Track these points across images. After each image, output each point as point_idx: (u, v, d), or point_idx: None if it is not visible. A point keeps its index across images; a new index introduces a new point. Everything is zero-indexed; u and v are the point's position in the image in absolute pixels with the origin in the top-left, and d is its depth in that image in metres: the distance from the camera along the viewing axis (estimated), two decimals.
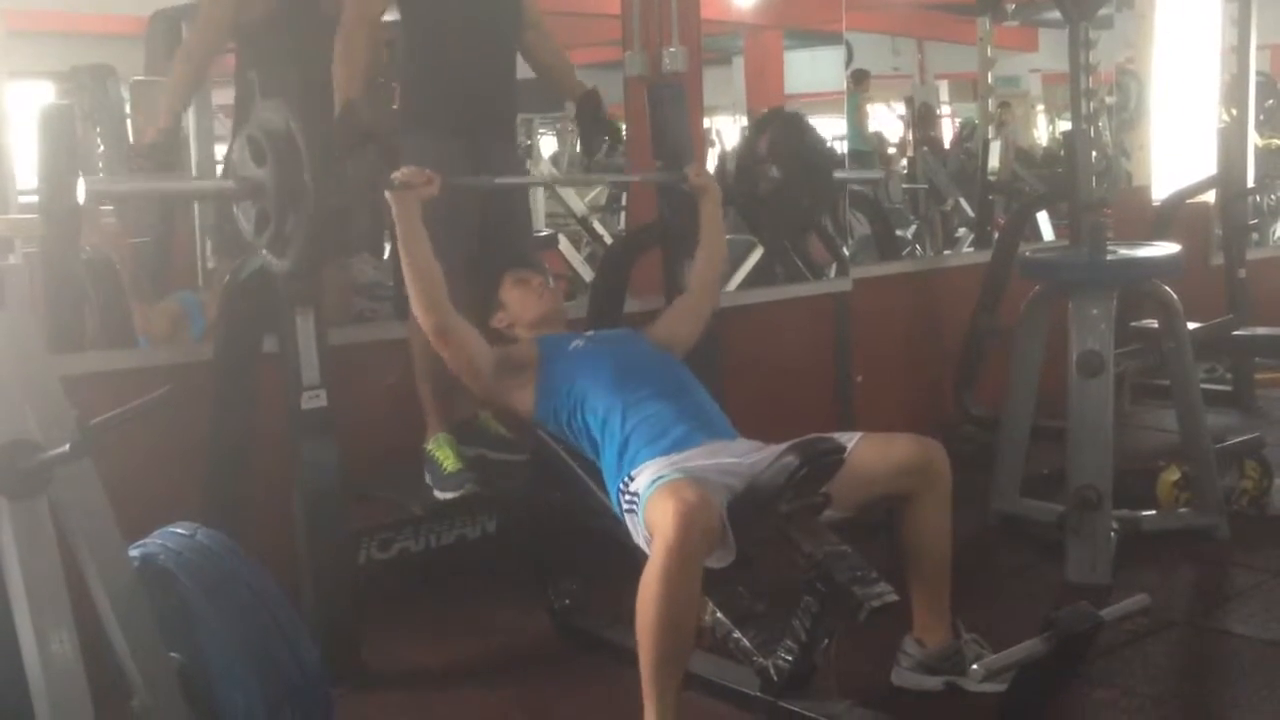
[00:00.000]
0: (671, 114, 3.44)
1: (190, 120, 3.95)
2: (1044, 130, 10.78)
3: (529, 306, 3.04)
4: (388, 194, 2.71)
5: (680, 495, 2.32)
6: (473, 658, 3.03)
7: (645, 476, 2.52)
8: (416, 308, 2.79)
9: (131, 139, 4.50)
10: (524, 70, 3.63)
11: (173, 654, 1.94)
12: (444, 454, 3.23)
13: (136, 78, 4.36)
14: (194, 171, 3.94)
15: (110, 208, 4.49)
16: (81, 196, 2.19)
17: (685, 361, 2.98)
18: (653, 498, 2.42)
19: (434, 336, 2.82)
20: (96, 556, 1.84)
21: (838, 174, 3.46)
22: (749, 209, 3.55)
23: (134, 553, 1.98)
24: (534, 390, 2.82)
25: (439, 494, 3.25)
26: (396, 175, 2.72)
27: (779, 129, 3.54)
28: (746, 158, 3.45)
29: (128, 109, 4.58)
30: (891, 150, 9.12)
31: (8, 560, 1.73)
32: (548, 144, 8.27)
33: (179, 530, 2.06)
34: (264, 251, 2.42)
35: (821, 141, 3.48)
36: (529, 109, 7.20)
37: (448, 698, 2.82)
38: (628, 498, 2.56)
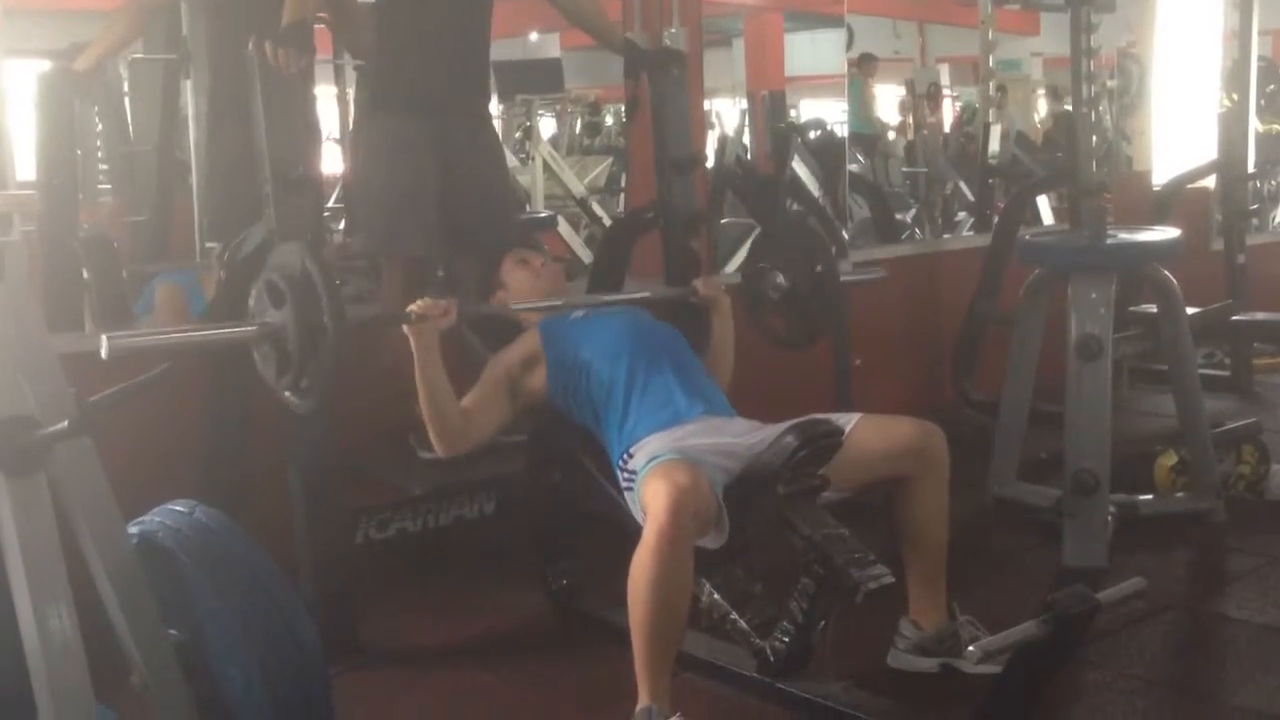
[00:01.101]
0: (671, 81, 3.39)
1: (189, 101, 3.95)
2: (1045, 114, 10.76)
3: (530, 287, 3.04)
4: (405, 328, 2.65)
5: (672, 478, 2.33)
6: (471, 637, 3.03)
7: (644, 454, 2.53)
8: (434, 435, 2.72)
9: (130, 119, 4.50)
10: (519, 52, 3.62)
11: (171, 631, 1.94)
12: None
13: (134, 56, 4.34)
14: (192, 152, 3.94)
15: (108, 186, 4.49)
16: (105, 353, 2.19)
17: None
18: (647, 478, 2.43)
19: (458, 448, 2.77)
20: (95, 533, 1.84)
21: (844, 278, 3.43)
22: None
23: (133, 530, 1.98)
24: (545, 375, 2.82)
25: (423, 454, 3.26)
26: (413, 308, 2.64)
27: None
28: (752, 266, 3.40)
29: (125, 87, 4.57)
30: (892, 135, 9.09)
31: (6, 537, 1.73)
32: (547, 125, 8.26)
33: (178, 508, 2.06)
34: (286, 394, 2.43)
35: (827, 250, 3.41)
36: (528, 90, 7.19)
37: (445, 677, 2.83)
38: (626, 475, 2.57)
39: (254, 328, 2.40)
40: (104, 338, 2.15)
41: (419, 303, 2.66)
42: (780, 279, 3.22)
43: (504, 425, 2.84)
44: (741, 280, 3.34)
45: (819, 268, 3.19)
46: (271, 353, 2.39)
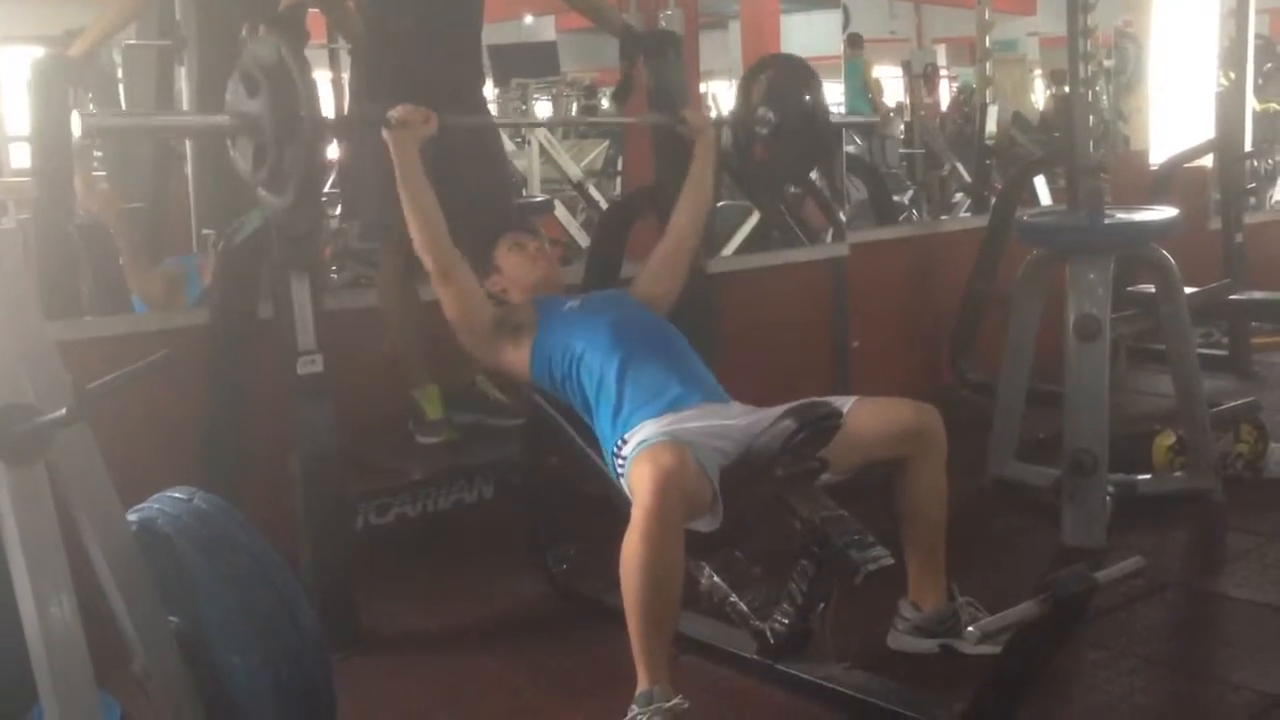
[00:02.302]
0: (668, 64, 3.40)
1: (183, 87, 3.94)
2: (1041, 94, 10.75)
3: (525, 271, 3.03)
4: (385, 133, 2.69)
5: (658, 460, 2.33)
6: (470, 621, 3.04)
7: (636, 439, 2.54)
8: (419, 247, 2.80)
9: (124, 105, 4.49)
10: (514, 36, 3.61)
11: (172, 618, 1.94)
12: (429, 402, 3.26)
13: (128, 42, 4.33)
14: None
15: (104, 173, 4.48)
16: (78, 131, 2.17)
17: (681, 326, 2.97)
18: (634, 461, 2.44)
19: (436, 277, 2.82)
20: (94, 521, 1.84)
21: (835, 119, 3.43)
22: (743, 170, 3.50)
23: (132, 517, 1.98)
24: (530, 352, 2.82)
25: (420, 439, 3.27)
26: (393, 114, 2.69)
27: (776, 72, 3.50)
28: (742, 105, 3.41)
29: (120, 73, 4.56)
30: (892, 114, 9.09)
31: (6, 526, 1.73)
32: (543, 109, 8.24)
33: (177, 495, 2.05)
34: (262, 191, 2.40)
35: (819, 86, 3.43)
36: (524, 73, 7.18)
37: (446, 661, 2.83)
38: (620, 461, 2.58)
39: (227, 118, 2.38)
40: (75, 113, 2.13)
41: (399, 108, 2.71)
42: (770, 114, 3.23)
43: (475, 315, 2.85)
44: (730, 119, 3.35)
45: (806, 97, 3.19)
46: (248, 144, 2.36)
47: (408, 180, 2.75)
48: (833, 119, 3.99)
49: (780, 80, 3.41)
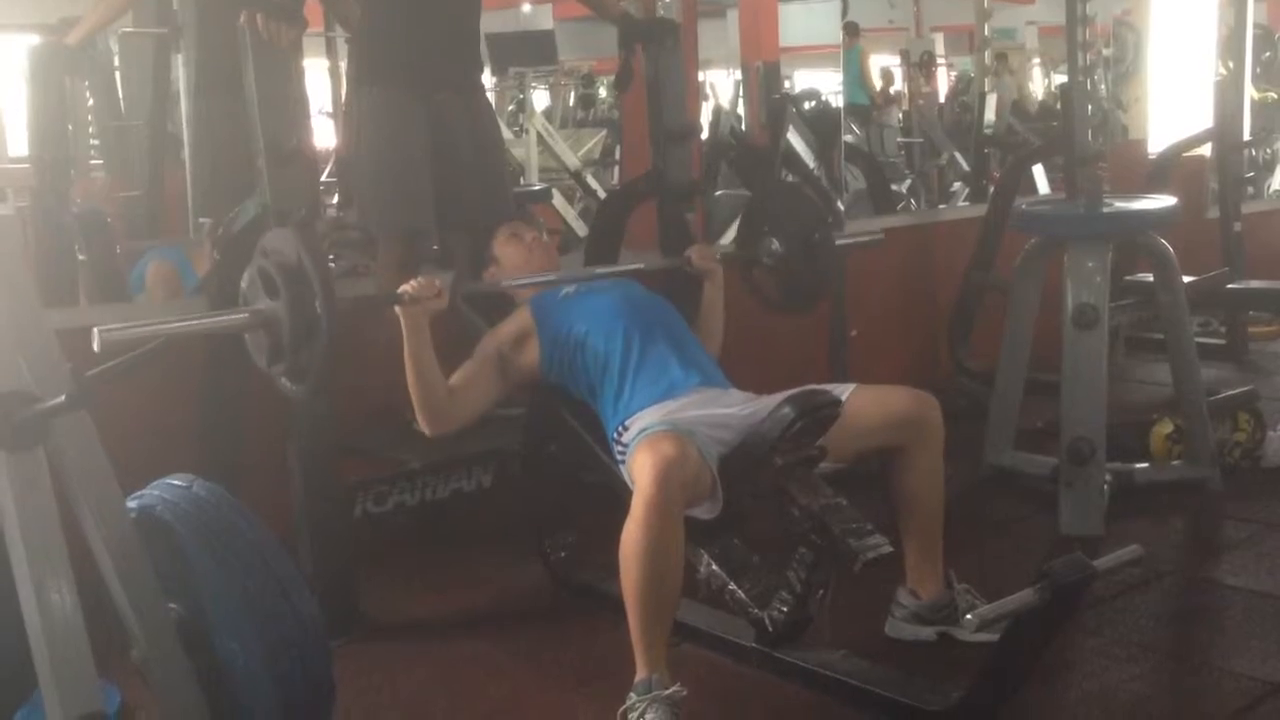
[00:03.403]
0: (666, 52, 3.38)
1: (180, 75, 3.93)
2: (1040, 83, 10.75)
3: (523, 262, 3.02)
4: (397, 309, 2.62)
5: (659, 449, 2.33)
6: (470, 610, 3.04)
7: (637, 427, 2.54)
8: (422, 420, 2.70)
9: (121, 93, 4.48)
10: (512, 24, 3.61)
11: (171, 605, 1.94)
12: None
13: (125, 30, 4.32)
14: (184, 126, 3.93)
15: (100, 161, 4.48)
16: (97, 347, 2.16)
17: (682, 314, 2.97)
18: (636, 450, 2.43)
19: (444, 431, 2.75)
20: (94, 508, 1.84)
21: (839, 240, 3.41)
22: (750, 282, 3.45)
23: (131, 505, 1.98)
24: (539, 351, 2.81)
25: (417, 426, 3.27)
26: (405, 289, 2.61)
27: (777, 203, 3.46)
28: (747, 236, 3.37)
29: (116, 61, 4.55)
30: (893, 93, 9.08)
31: (6, 513, 1.73)
32: (540, 98, 8.23)
33: (176, 482, 2.05)
34: (281, 380, 2.41)
35: (823, 217, 3.38)
36: (521, 62, 7.16)
37: (445, 649, 2.83)
38: (620, 448, 2.58)
39: (246, 315, 2.38)
40: (95, 331, 2.13)
41: (411, 283, 2.63)
42: (775, 245, 3.22)
43: (492, 404, 2.82)
44: (736, 247, 3.33)
45: (816, 235, 3.18)
46: (264, 338, 2.38)
47: (417, 356, 2.64)
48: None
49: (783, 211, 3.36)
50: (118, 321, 3.07)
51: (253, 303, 2.36)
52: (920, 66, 8.91)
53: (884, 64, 9.55)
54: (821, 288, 3.33)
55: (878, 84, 9.18)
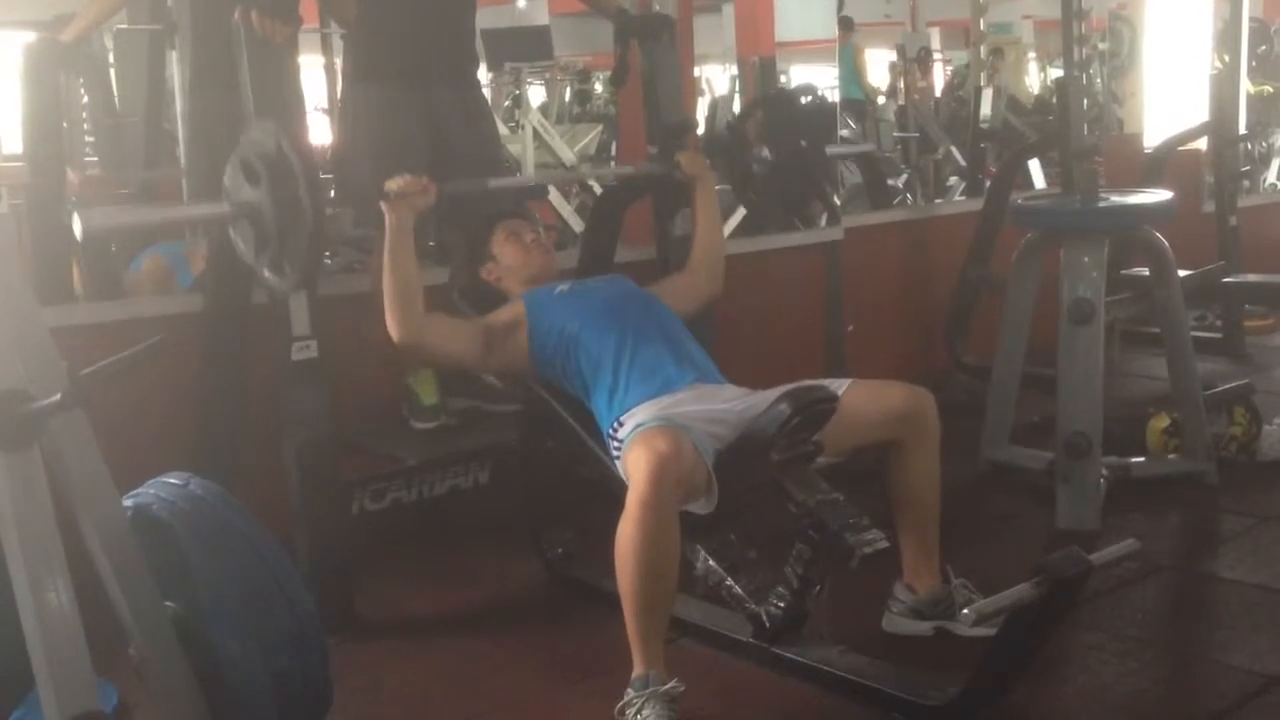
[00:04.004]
0: (662, 48, 3.39)
1: (175, 72, 3.92)
2: (1035, 77, 10.75)
3: (522, 262, 3.00)
4: (382, 205, 2.63)
5: (653, 445, 2.33)
6: (467, 606, 3.04)
7: (632, 422, 2.54)
8: (390, 321, 2.69)
9: (116, 90, 4.47)
10: (507, 19, 3.60)
11: (168, 603, 1.94)
12: (423, 388, 3.26)
13: (120, 26, 4.32)
14: (179, 123, 3.92)
15: (95, 158, 4.47)
16: (79, 233, 2.14)
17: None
18: (630, 445, 2.44)
19: (406, 352, 2.77)
20: (90, 506, 1.84)
21: (830, 150, 3.41)
22: (742, 192, 3.48)
23: (128, 503, 1.98)
24: (527, 344, 2.81)
25: (415, 424, 3.28)
26: (391, 185, 2.63)
27: (770, 109, 3.48)
28: (737, 144, 3.38)
29: (111, 58, 4.54)
30: (882, 100, 9.07)
31: (2, 512, 1.72)
32: (536, 94, 8.22)
33: (172, 480, 2.05)
34: (265, 273, 2.39)
35: (814, 120, 3.41)
36: (517, 58, 7.15)
37: (442, 646, 2.84)
38: (615, 444, 2.58)
39: (229, 206, 2.36)
40: (75, 215, 2.11)
41: (398, 179, 2.66)
42: (765, 152, 3.22)
43: (462, 358, 2.83)
44: (726, 157, 3.33)
45: (803, 142, 3.18)
46: (249, 230, 2.35)
47: (396, 252, 2.65)
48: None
49: (775, 118, 3.37)
50: (114, 318, 3.11)
51: (236, 194, 2.34)
52: (918, 62, 8.90)
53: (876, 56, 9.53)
54: (809, 194, 3.33)
55: (886, 78, 9.18)
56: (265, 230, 2.31)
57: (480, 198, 3.34)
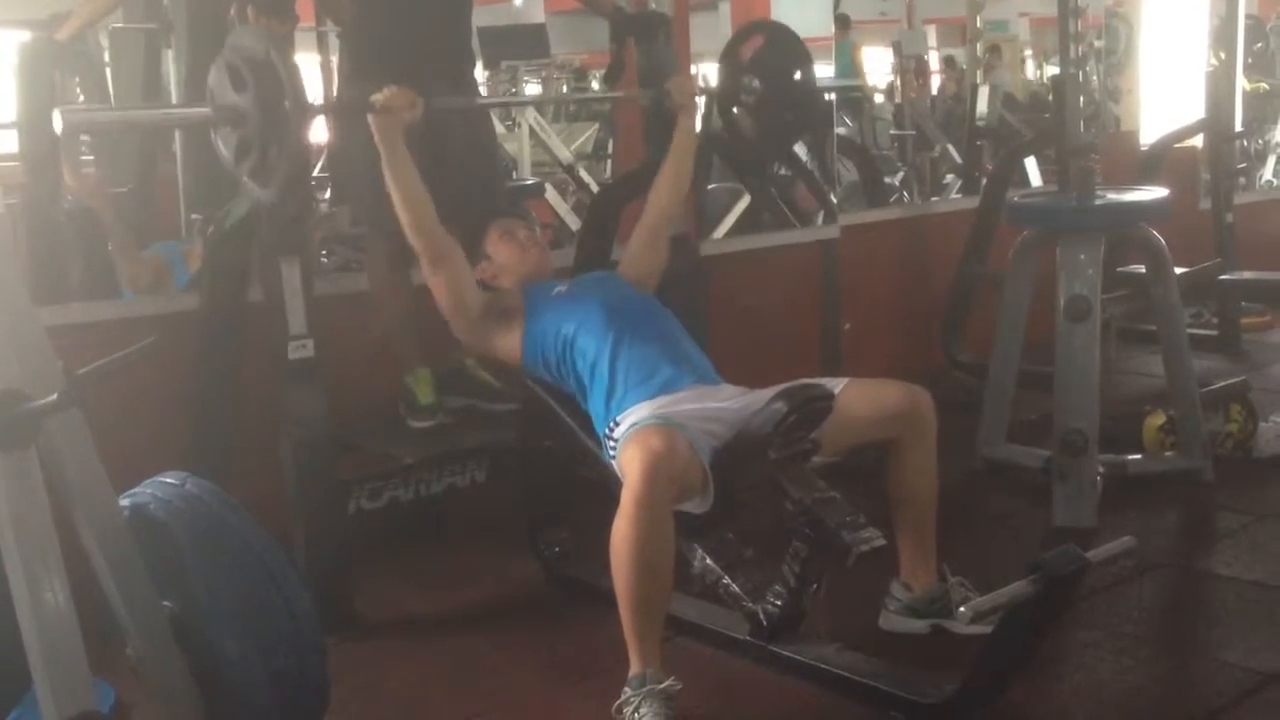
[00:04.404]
0: (658, 46, 3.39)
1: (170, 70, 3.92)
2: (1032, 75, 10.74)
3: (516, 260, 3.01)
4: (370, 118, 2.67)
5: (647, 443, 2.33)
6: (464, 605, 3.04)
7: (627, 422, 2.54)
8: (409, 232, 2.78)
9: (111, 89, 4.46)
10: (504, 18, 3.60)
11: (165, 603, 1.94)
12: (420, 387, 3.26)
13: (115, 25, 4.30)
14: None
15: (91, 157, 4.46)
16: (59, 127, 2.14)
17: (673, 307, 2.97)
18: (624, 444, 2.44)
19: (427, 263, 2.81)
20: (87, 506, 1.84)
21: (822, 83, 3.41)
22: (730, 145, 3.47)
23: (124, 503, 1.98)
24: (521, 338, 2.81)
25: (412, 424, 3.28)
26: (377, 97, 2.67)
27: (760, 40, 3.47)
28: (728, 72, 3.37)
29: (107, 57, 4.53)
30: (879, 98, 9.06)
31: None
32: (532, 91, 8.20)
33: (169, 479, 2.05)
34: (246, 180, 2.38)
35: (806, 55, 3.41)
36: (514, 56, 7.14)
37: (439, 645, 2.84)
38: (611, 443, 2.58)
39: (212, 110, 2.36)
40: (56, 111, 2.10)
41: (385, 92, 2.69)
42: (755, 83, 3.22)
43: (461, 305, 2.84)
44: (716, 86, 3.33)
45: (797, 74, 3.18)
46: (231, 135, 2.35)
47: (393, 165, 2.73)
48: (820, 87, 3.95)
49: (765, 48, 3.38)
50: (110, 317, 3.10)
51: (221, 98, 2.34)
52: (916, 74, 8.88)
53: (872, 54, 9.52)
54: (798, 127, 3.32)
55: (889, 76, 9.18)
56: (248, 136, 2.30)
57: (475, 197, 3.34)
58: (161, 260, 3.68)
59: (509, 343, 2.84)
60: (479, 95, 3.61)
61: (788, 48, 3.35)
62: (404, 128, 2.72)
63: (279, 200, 2.44)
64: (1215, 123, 5.27)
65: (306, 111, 2.30)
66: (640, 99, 3.25)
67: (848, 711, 2.43)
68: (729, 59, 3.38)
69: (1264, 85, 7.42)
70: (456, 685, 2.65)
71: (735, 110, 3.38)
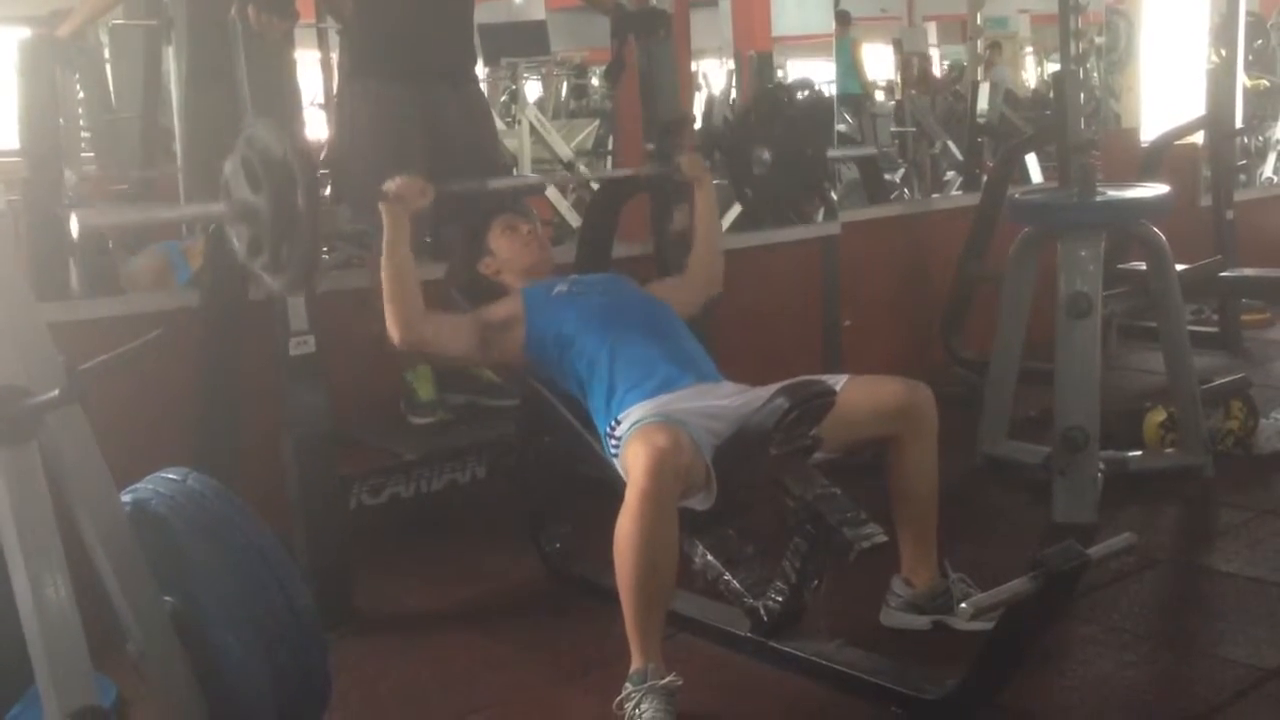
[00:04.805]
0: (659, 43, 3.39)
1: (171, 67, 3.92)
2: (1033, 71, 10.75)
3: (518, 255, 3.01)
4: (381, 206, 2.64)
5: (651, 440, 2.33)
6: (465, 601, 3.05)
7: (629, 420, 2.54)
8: (390, 322, 2.71)
9: (112, 86, 4.47)
10: (504, 15, 3.60)
11: (167, 599, 1.94)
12: (421, 383, 3.26)
13: (116, 22, 4.31)
14: (175, 119, 3.91)
15: (91, 154, 4.46)
16: (75, 231, 2.13)
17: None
18: (628, 442, 2.44)
19: (409, 346, 2.79)
20: (88, 502, 1.84)
21: (831, 153, 3.40)
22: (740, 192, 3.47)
23: (126, 498, 1.98)
24: (523, 341, 2.81)
25: (413, 420, 3.28)
26: (389, 186, 2.64)
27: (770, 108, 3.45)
28: (739, 143, 3.36)
29: (107, 54, 4.54)
30: (880, 95, 9.07)
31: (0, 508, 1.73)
32: (533, 89, 8.21)
33: (170, 475, 2.05)
34: (260, 272, 2.39)
35: (816, 126, 3.40)
36: (514, 53, 7.15)
37: (440, 641, 2.84)
38: (613, 442, 2.58)
39: (226, 207, 2.36)
40: (73, 214, 2.10)
41: (396, 181, 2.67)
42: (765, 154, 3.22)
43: (460, 353, 2.83)
44: (727, 157, 3.33)
45: (809, 150, 3.18)
46: (244, 231, 2.36)
47: (394, 254, 2.66)
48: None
49: (776, 119, 3.35)
50: (112, 314, 3.10)
51: (235, 194, 2.35)
52: (919, 75, 8.89)
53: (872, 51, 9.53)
54: (809, 197, 3.33)
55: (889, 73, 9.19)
56: (262, 233, 2.31)
57: (477, 193, 3.34)
58: (160, 262, 3.68)
59: (513, 348, 2.83)
60: (480, 92, 3.61)
61: (799, 119, 3.33)
62: (412, 215, 2.68)
63: (291, 288, 2.44)
64: (1216, 120, 5.27)
65: (319, 211, 2.29)
66: (652, 175, 3.24)
67: (849, 707, 2.43)
68: (740, 126, 3.36)
69: (1265, 82, 7.43)
70: (457, 681, 2.65)
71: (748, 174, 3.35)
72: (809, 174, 3.20)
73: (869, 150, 4.15)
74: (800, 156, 3.18)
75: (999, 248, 4.20)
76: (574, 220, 5.70)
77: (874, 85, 9.17)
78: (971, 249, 4.67)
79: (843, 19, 7.99)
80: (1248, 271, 4.85)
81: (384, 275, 2.69)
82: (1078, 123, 3.74)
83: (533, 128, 6.49)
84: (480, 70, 5.65)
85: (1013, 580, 2.06)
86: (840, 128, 6.63)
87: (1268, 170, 7.69)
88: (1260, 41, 7.74)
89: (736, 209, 4.95)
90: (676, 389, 2.62)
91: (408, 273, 2.70)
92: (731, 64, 7.32)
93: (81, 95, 4.45)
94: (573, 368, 2.73)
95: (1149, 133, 6.00)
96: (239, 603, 1.93)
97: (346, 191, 3.44)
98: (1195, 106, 5.59)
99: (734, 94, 7.17)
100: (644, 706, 2.30)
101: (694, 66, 6.01)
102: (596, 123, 7.56)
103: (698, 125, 5.91)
